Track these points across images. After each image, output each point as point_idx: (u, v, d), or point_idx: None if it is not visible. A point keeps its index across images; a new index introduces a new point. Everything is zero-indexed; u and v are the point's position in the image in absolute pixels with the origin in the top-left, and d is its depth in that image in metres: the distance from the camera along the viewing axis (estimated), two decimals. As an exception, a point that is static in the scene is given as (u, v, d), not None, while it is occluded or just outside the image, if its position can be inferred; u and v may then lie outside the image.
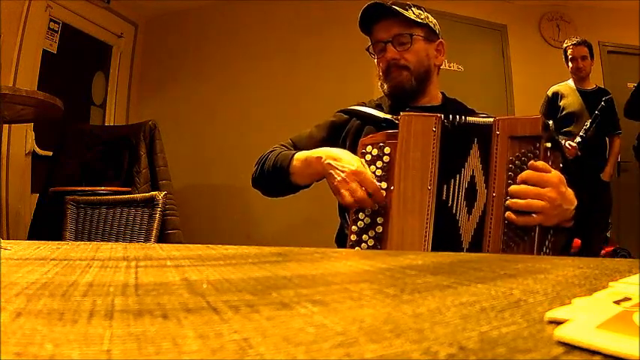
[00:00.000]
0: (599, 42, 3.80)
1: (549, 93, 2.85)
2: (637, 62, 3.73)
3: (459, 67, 3.61)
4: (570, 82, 2.81)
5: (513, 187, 0.85)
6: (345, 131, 1.12)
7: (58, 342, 0.18)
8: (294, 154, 1.04)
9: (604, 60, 3.79)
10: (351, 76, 3.31)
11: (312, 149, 1.01)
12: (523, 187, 0.84)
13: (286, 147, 1.14)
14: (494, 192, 0.87)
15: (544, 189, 0.83)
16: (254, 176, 1.14)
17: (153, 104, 3.79)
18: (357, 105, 1.15)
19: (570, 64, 2.74)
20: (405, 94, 1.10)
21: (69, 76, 3.39)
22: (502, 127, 0.87)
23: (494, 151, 0.87)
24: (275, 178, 1.07)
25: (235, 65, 3.65)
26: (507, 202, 0.84)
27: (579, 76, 2.75)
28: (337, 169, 0.92)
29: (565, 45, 2.79)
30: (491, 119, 0.90)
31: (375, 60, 1.13)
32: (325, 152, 0.97)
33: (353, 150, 0.96)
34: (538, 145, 0.85)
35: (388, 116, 1.00)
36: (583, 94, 2.73)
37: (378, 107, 1.13)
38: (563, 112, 2.74)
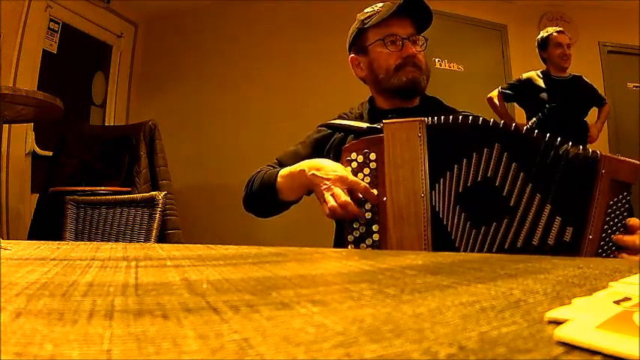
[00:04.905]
0: (599, 42, 3.80)
1: (523, 76, 2.75)
2: (637, 62, 3.74)
3: (459, 67, 3.62)
4: (539, 72, 2.71)
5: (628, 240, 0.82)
6: (328, 145, 1.11)
7: (58, 342, 0.18)
8: (279, 171, 1.04)
9: (604, 60, 3.80)
10: (351, 77, 3.30)
11: None
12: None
13: (273, 167, 1.13)
14: (590, 234, 0.82)
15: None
16: (244, 199, 1.15)
17: (153, 104, 3.79)
18: (339, 117, 1.15)
19: (557, 50, 2.64)
20: (415, 93, 1.11)
21: (69, 76, 3.39)
22: (608, 168, 0.82)
23: (597, 192, 0.82)
24: (264, 198, 1.08)
25: (235, 65, 3.65)
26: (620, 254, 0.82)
27: (562, 65, 2.66)
28: (322, 178, 0.91)
29: (546, 33, 2.69)
30: (517, 124, 0.86)
31: (384, 52, 1.10)
32: (307, 164, 0.97)
33: (337, 161, 0.95)
34: (629, 192, 0.83)
35: (373, 125, 1.00)
36: (559, 82, 2.66)
37: (359, 117, 1.13)
38: (539, 102, 2.66)
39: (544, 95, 2.65)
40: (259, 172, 1.12)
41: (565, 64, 2.67)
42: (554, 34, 2.67)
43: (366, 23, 1.12)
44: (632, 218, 0.83)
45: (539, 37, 2.74)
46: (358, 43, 1.15)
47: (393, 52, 1.09)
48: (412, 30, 1.11)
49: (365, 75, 1.16)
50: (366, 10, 1.15)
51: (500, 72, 3.70)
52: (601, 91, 3.66)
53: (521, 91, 2.75)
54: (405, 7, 1.08)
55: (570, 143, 0.85)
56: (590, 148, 0.86)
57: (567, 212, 0.83)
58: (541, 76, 2.70)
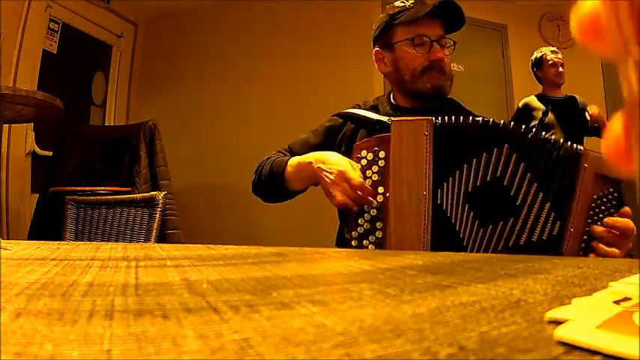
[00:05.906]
0: (599, 42, 3.79)
1: (520, 105, 2.85)
2: (637, 62, 3.73)
3: (459, 67, 3.61)
4: (535, 95, 2.80)
5: (601, 231, 0.83)
6: (340, 135, 1.11)
7: (58, 342, 0.18)
8: (288, 160, 1.05)
9: (604, 60, 3.79)
10: (351, 78, 3.31)
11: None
12: (610, 234, 0.82)
13: (283, 153, 1.14)
14: (572, 227, 0.83)
15: (626, 239, 0.82)
16: (253, 184, 1.16)
17: (153, 104, 3.79)
18: (353, 108, 1.14)
19: (551, 69, 2.74)
20: (439, 98, 1.09)
21: (69, 76, 3.39)
22: (591, 163, 0.83)
23: (579, 186, 0.83)
24: (272, 185, 1.09)
25: (235, 65, 3.65)
26: (595, 244, 0.82)
27: (557, 82, 2.74)
28: (326, 171, 0.92)
29: (540, 53, 2.78)
30: (500, 123, 0.87)
31: (412, 52, 1.08)
32: (315, 156, 0.98)
33: (348, 154, 0.95)
34: (618, 188, 0.83)
35: (383, 118, 0.99)
36: (555, 102, 2.71)
37: (374, 109, 1.12)
38: (534, 122, 2.73)
39: (541, 114, 2.71)
40: (269, 157, 1.13)
41: (560, 80, 2.76)
42: (548, 54, 2.77)
43: (396, 19, 1.10)
44: (625, 207, 0.84)
45: (533, 57, 2.84)
46: (385, 38, 1.13)
47: (421, 54, 1.08)
48: (442, 32, 1.09)
49: (389, 71, 1.14)
50: (395, 4, 1.13)
51: (500, 72, 3.70)
52: (601, 90, 3.67)
53: (522, 118, 2.80)
54: (439, 8, 1.07)
55: (569, 143, 0.86)
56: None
57: (558, 207, 0.85)
58: (537, 98, 2.79)
